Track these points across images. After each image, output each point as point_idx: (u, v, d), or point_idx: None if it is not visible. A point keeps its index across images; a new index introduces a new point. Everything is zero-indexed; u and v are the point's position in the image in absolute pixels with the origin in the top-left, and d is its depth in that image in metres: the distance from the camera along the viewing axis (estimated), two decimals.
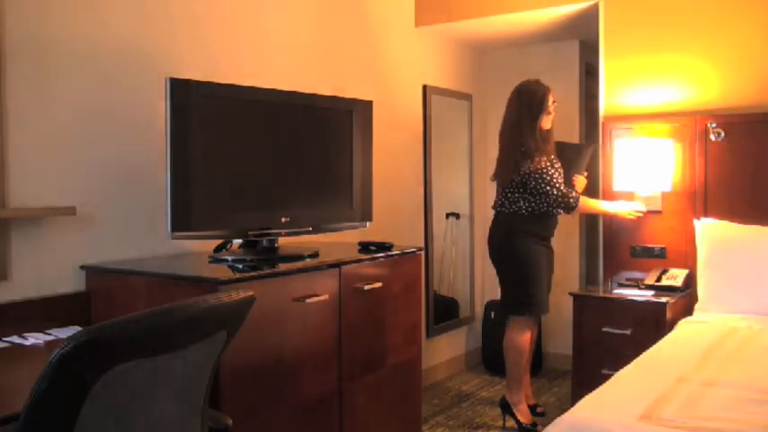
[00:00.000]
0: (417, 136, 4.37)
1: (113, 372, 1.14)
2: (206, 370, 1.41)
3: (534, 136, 3.46)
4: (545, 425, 2.32)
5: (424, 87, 4.40)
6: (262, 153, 2.57)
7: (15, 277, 2.27)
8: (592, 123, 4.76)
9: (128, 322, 1.17)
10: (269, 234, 2.60)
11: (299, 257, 2.59)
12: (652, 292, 3.40)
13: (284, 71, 3.32)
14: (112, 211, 2.55)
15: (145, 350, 1.21)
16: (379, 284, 2.73)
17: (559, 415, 2.05)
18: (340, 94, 3.19)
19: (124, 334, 1.16)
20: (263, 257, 2.56)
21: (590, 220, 4.87)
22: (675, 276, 3.47)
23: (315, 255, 2.65)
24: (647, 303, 3.31)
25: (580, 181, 3.76)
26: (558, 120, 4.77)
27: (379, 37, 4.00)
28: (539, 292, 3.48)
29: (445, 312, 4.67)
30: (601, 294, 3.55)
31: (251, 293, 1.44)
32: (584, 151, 3.95)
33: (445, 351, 4.66)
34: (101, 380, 1.13)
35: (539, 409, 3.74)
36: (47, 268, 2.35)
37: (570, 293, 3.58)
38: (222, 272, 2.32)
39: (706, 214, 3.53)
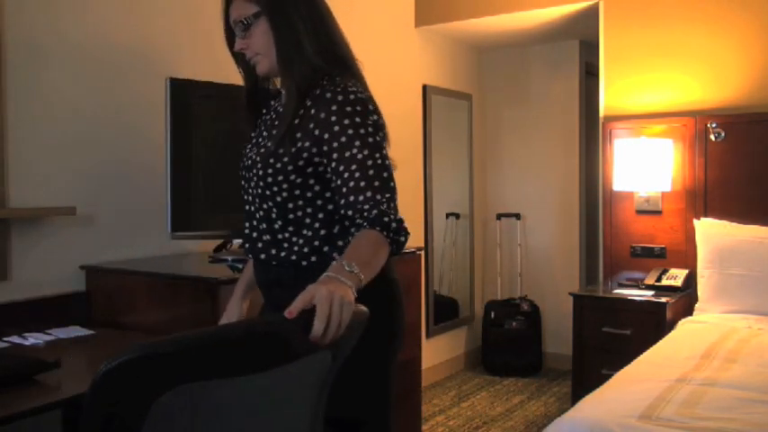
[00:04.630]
0: (417, 136, 4.37)
1: (182, 391, 0.97)
2: (304, 397, 1.18)
3: None
4: (545, 425, 2.33)
5: (424, 87, 4.40)
6: None
7: (15, 277, 2.27)
8: (592, 123, 4.76)
9: (190, 338, 0.98)
10: None
11: None
12: (652, 292, 3.40)
13: None
14: (112, 211, 2.55)
15: (219, 370, 1.01)
16: None
17: (559, 415, 2.05)
18: None
19: (183, 350, 0.98)
20: None
21: (590, 220, 4.88)
22: (675, 276, 3.47)
23: None
24: (647, 303, 3.31)
25: None
26: (559, 120, 4.80)
27: (379, 37, 4.00)
28: None
29: (445, 312, 4.67)
30: (601, 294, 3.55)
31: (365, 309, 1.19)
32: None
33: (445, 351, 4.65)
34: (165, 400, 0.96)
35: None
36: (47, 268, 2.35)
37: (570, 293, 3.58)
38: (222, 272, 2.32)
39: (706, 214, 3.53)
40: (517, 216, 4.93)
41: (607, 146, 3.82)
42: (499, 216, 4.98)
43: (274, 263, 1.57)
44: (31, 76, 2.32)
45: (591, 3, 3.84)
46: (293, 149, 1.49)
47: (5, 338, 2.03)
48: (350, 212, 1.43)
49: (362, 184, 1.42)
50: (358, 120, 1.43)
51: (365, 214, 1.40)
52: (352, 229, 1.41)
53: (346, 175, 1.43)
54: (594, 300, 3.50)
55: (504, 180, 5.01)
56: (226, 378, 1.02)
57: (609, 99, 3.88)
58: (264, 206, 1.56)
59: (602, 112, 3.90)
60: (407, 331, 2.94)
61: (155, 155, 2.58)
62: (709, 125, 3.53)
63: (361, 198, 1.42)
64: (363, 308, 1.19)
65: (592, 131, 4.78)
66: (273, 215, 1.55)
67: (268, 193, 1.54)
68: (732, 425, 1.84)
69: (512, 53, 4.93)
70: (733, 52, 3.53)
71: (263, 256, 1.58)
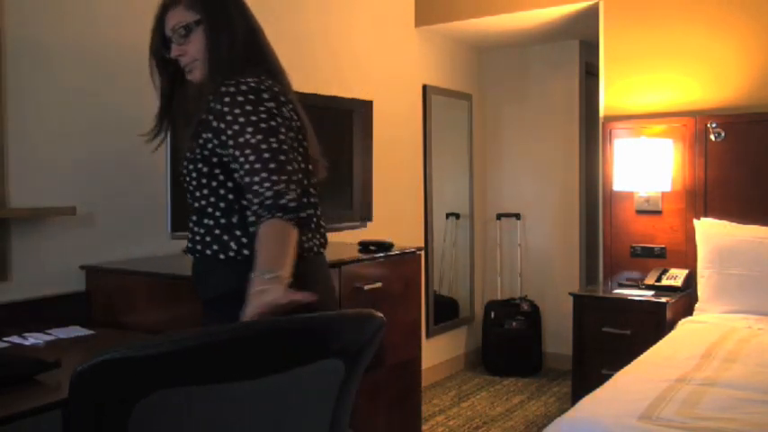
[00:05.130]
0: (417, 136, 4.37)
1: (169, 395, 0.95)
2: (311, 407, 1.13)
3: None
4: (545, 425, 2.33)
5: (424, 87, 4.40)
6: None
7: (15, 277, 2.26)
8: (592, 123, 4.76)
9: (172, 341, 0.95)
10: None
11: None
12: (652, 292, 3.40)
13: None
14: (112, 211, 2.55)
15: (210, 375, 0.98)
16: (379, 284, 2.72)
17: (559, 415, 2.05)
18: (340, 94, 3.18)
19: (163, 355, 0.95)
20: None
21: (590, 220, 4.88)
22: (675, 276, 3.47)
23: None
24: (647, 303, 3.31)
25: None
26: (559, 120, 4.80)
27: (379, 37, 4.00)
28: None
29: (445, 312, 4.67)
30: (601, 294, 3.55)
31: (380, 315, 1.13)
32: None
33: (445, 351, 4.65)
34: (146, 402, 0.94)
35: None
36: (47, 268, 2.35)
37: (570, 293, 3.58)
38: None
39: (706, 214, 3.53)
40: (517, 216, 4.93)
41: (607, 146, 3.82)
42: (499, 216, 4.98)
43: (189, 254, 1.68)
44: (31, 75, 2.32)
45: (591, 3, 3.84)
46: (200, 141, 1.59)
47: (5, 338, 2.03)
48: (249, 196, 1.49)
49: (257, 166, 1.48)
50: (249, 108, 1.50)
51: (262, 199, 1.46)
52: (251, 218, 1.49)
53: (242, 159, 1.50)
54: (594, 300, 3.50)
55: (504, 180, 5.01)
56: (215, 384, 0.98)
57: (609, 99, 3.88)
58: (187, 199, 1.69)
59: (602, 112, 3.90)
60: (408, 331, 2.95)
61: (155, 155, 2.58)
62: (709, 125, 3.53)
63: (256, 179, 1.48)
64: (380, 315, 1.14)
65: (592, 131, 4.78)
66: (190, 206, 1.67)
67: (186, 186, 1.67)
68: (732, 425, 1.84)
69: (512, 53, 4.93)
70: (733, 52, 3.53)
71: (185, 248, 1.71)
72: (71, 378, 0.91)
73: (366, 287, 2.66)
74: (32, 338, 2.05)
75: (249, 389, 1.02)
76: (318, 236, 1.73)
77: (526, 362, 4.61)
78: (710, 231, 3.39)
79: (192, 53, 1.64)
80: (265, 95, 1.55)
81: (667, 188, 3.59)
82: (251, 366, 1.01)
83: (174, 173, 2.27)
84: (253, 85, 1.55)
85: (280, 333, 1.05)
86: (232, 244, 1.57)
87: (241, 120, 1.51)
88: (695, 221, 3.51)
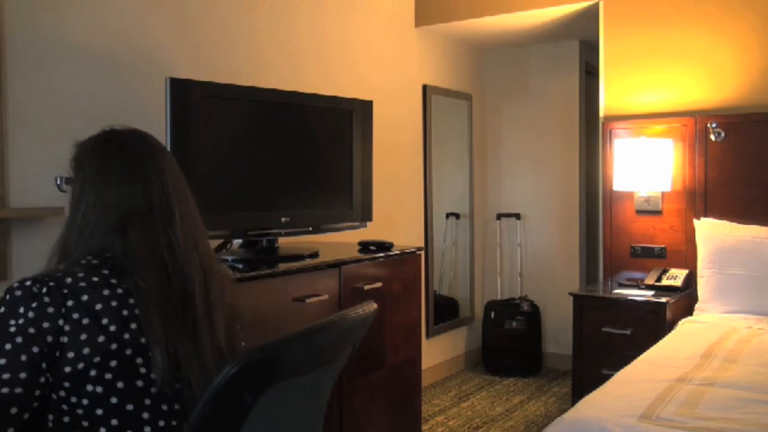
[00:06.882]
0: (417, 136, 4.37)
1: (272, 390, 1.12)
2: (331, 384, 1.38)
3: None
4: (545, 425, 2.33)
5: (424, 87, 4.40)
6: (262, 153, 2.57)
7: (15, 277, 2.26)
8: (592, 123, 4.76)
9: (288, 342, 1.15)
10: (269, 234, 2.60)
11: (299, 257, 2.59)
12: (652, 292, 3.40)
13: (284, 71, 3.32)
14: None
15: (300, 369, 1.18)
16: (379, 284, 2.73)
17: (559, 415, 2.05)
18: (340, 94, 3.19)
19: (284, 354, 1.14)
20: (262, 257, 2.56)
21: (590, 220, 4.88)
22: (675, 276, 3.47)
23: (315, 255, 2.65)
24: (647, 303, 3.31)
25: None
26: (559, 120, 4.80)
27: (379, 37, 4.01)
28: None
29: (445, 312, 4.67)
30: (601, 294, 3.55)
31: (375, 306, 1.37)
32: None
33: (445, 351, 4.66)
34: (261, 399, 1.11)
35: None
36: None
37: (570, 293, 3.58)
38: None
39: (706, 214, 3.53)
40: (517, 216, 4.93)
41: (607, 146, 3.82)
42: (499, 216, 4.99)
43: None
44: (32, 75, 2.32)
45: (591, 3, 3.84)
46: None
47: None
48: None
49: None
50: None
51: None
52: None
53: None
54: (594, 300, 3.50)
55: (504, 180, 5.01)
56: (306, 374, 1.20)
57: (609, 99, 3.88)
58: None
59: (602, 112, 3.90)
60: (408, 331, 2.95)
61: None
62: (709, 125, 3.53)
63: None
64: (374, 304, 1.34)
65: (592, 131, 4.79)
66: None
67: None
68: (732, 425, 1.84)
69: (512, 53, 4.93)
70: (733, 52, 3.53)
71: None
72: (219, 380, 1.06)
73: (366, 287, 2.66)
74: None
75: (319, 375, 1.26)
76: None
77: (526, 362, 4.61)
78: (710, 231, 3.39)
79: None
80: (3, 309, 1.20)
81: (667, 188, 3.59)
82: (328, 356, 1.25)
83: None
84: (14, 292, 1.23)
85: (349, 327, 1.27)
86: None
87: None
88: (695, 221, 3.51)
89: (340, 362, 1.33)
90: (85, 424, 1.19)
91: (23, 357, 1.15)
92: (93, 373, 1.18)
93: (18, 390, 1.14)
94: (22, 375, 1.15)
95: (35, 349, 1.16)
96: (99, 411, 1.19)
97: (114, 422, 1.19)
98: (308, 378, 1.22)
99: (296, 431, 1.28)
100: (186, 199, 1.39)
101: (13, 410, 1.14)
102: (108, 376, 1.19)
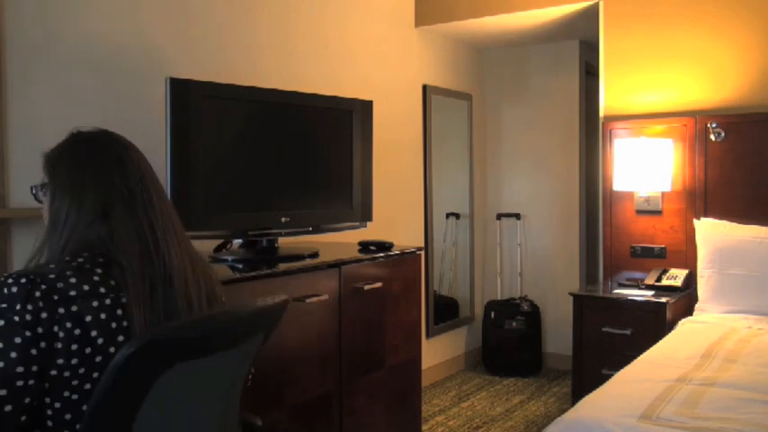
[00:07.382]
0: (417, 136, 4.37)
1: (173, 370, 1.18)
2: (243, 371, 1.43)
3: None
4: (545, 425, 2.33)
5: (424, 87, 4.40)
6: (262, 153, 2.57)
7: None
8: (592, 123, 4.76)
9: (188, 324, 1.25)
10: (269, 234, 2.60)
11: (299, 257, 2.58)
12: (652, 292, 3.40)
13: (284, 71, 3.32)
14: None
15: (199, 350, 1.24)
16: (379, 284, 2.73)
17: (559, 415, 2.05)
18: (340, 94, 3.19)
19: (182, 333, 1.21)
20: (262, 257, 2.56)
21: (590, 220, 4.88)
22: (675, 276, 3.47)
23: (315, 255, 2.65)
24: (647, 303, 3.31)
25: None
26: (559, 120, 4.80)
27: (378, 37, 4.00)
28: None
29: (445, 312, 4.67)
30: (601, 294, 3.55)
31: (285, 297, 1.48)
32: None
33: (445, 351, 4.66)
34: (160, 378, 1.16)
35: None
36: None
37: (570, 293, 3.58)
38: (222, 272, 2.32)
39: (706, 214, 3.53)
40: (517, 216, 4.93)
41: (607, 146, 3.82)
42: (499, 216, 4.99)
43: None
44: (32, 76, 2.32)
45: (591, 3, 3.84)
46: None
47: None
48: None
49: None
50: None
51: None
52: None
53: None
54: (594, 300, 3.50)
55: (504, 180, 5.01)
56: (204, 357, 1.25)
57: (609, 99, 3.88)
58: None
59: (602, 112, 3.90)
60: (407, 331, 2.95)
61: (154, 155, 2.58)
62: (709, 125, 3.53)
63: None
64: (286, 297, 1.47)
65: (592, 131, 4.78)
66: None
67: None
68: (732, 425, 1.84)
69: (512, 53, 4.93)
70: (733, 52, 3.53)
71: None
72: (118, 359, 1.11)
73: (366, 287, 2.66)
74: None
75: (221, 358, 1.31)
76: None
77: (526, 362, 4.61)
78: (710, 231, 3.39)
79: None
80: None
81: (667, 188, 3.59)
82: (230, 340, 1.32)
83: (174, 173, 2.27)
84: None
85: (252, 313, 1.38)
86: None
87: None
88: (695, 221, 3.51)
89: (249, 348, 1.38)
90: (50, 424, 1.21)
91: (13, 354, 1.17)
92: (74, 382, 1.20)
93: (10, 388, 1.16)
94: (19, 369, 1.17)
95: (33, 351, 1.18)
96: (68, 416, 1.21)
97: (79, 427, 1.22)
98: (212, 360, 1.27)
99: (201, 412, 1.31)
100: (160, 189, 1.44)
101: (8, 408, 1.16)
102: (87, 386, 1.21)
